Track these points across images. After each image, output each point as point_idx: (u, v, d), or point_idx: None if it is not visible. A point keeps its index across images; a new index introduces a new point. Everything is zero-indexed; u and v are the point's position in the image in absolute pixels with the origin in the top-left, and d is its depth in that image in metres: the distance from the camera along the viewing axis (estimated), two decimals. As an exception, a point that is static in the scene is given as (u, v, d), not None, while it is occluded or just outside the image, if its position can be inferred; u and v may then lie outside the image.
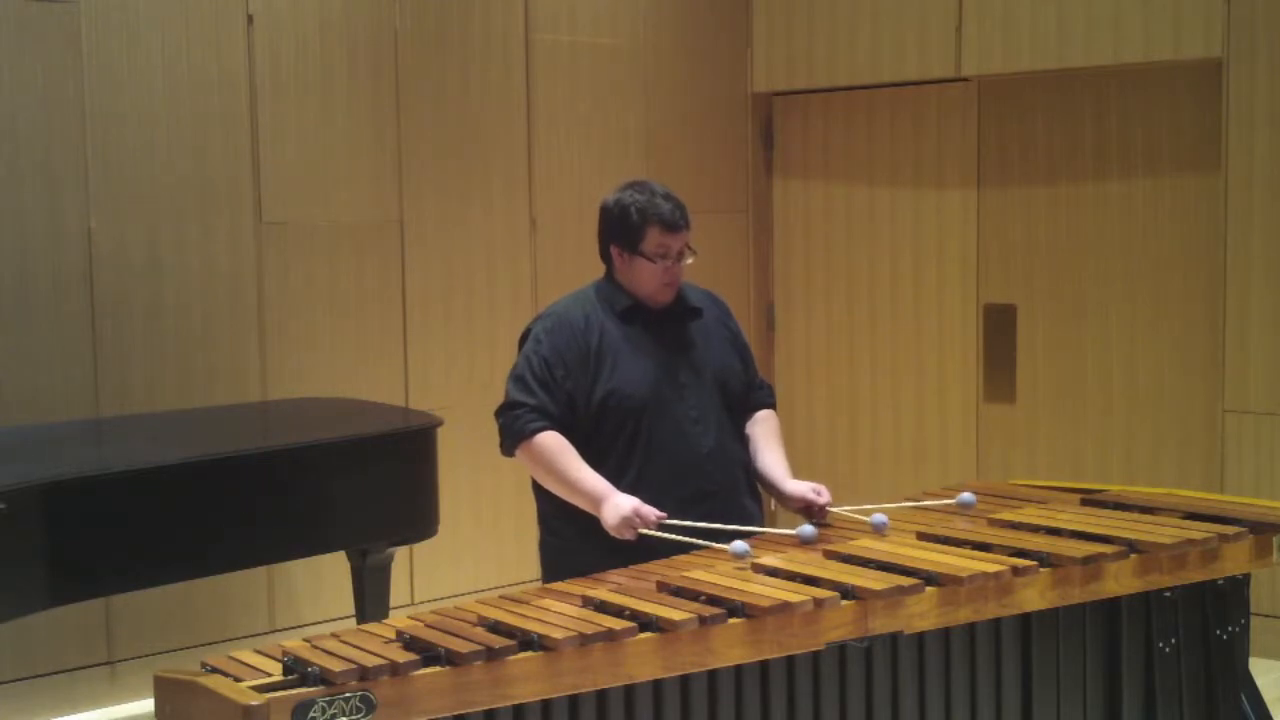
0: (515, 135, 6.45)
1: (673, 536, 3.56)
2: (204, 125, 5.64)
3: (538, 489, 3.86)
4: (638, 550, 3.54)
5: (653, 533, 3.57)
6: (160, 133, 5.54)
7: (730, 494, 3.83)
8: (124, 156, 5.46)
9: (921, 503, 4.00)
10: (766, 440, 3.96)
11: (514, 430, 3.76)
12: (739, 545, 3.43)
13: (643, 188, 3.84)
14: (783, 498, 3.90)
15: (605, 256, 3.90)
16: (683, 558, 3.49)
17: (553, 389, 3.74)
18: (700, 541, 3.54)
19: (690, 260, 3.85)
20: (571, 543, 3.79)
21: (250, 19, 5.72)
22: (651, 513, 3.58)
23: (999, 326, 6.62)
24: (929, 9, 6.57)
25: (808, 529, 3.58)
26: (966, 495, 3.88)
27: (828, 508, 3.81)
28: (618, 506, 3.60)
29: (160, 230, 5.55)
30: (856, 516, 3.76)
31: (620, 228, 3.82)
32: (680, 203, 3.83)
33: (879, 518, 3.65)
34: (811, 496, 3.81)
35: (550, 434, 3.72)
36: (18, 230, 5.25)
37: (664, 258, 3.79)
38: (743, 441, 3.93)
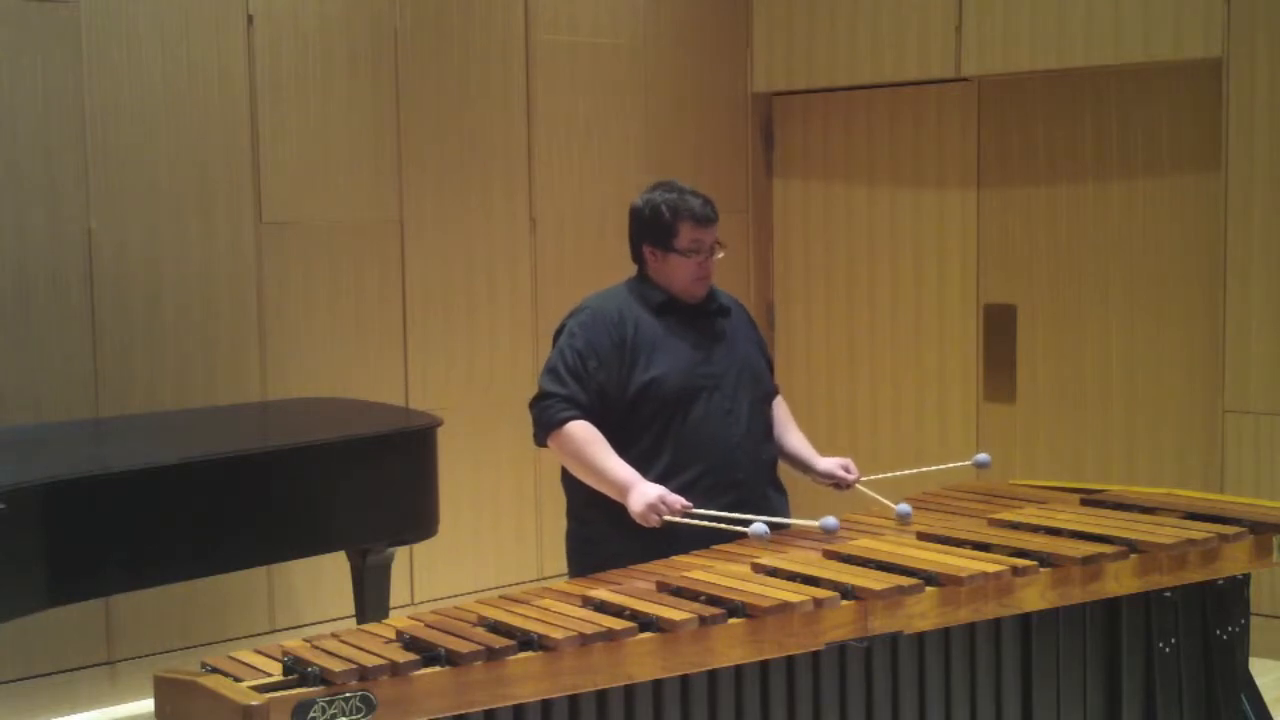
0: (515, 135, 6.45)
1: (697, 523, 3.63)
2: (204, 125, 5.64)
3: (567, 480, 3.94)
4: (664, 537, 3.63)
5: (678, 519, 3.64)
6: (160, 133, 5.54)
7: (756, 483, 3.94)
8: (124, 156, 5.46)
9: (940, 466, 4.27)
10: (787, 423, 4.18)
11: (545, 420, 3.85)
12: (759, 527, 3.55)
13: (670, 186, 3.98)
14: (814, 474, 4.10)
15: (638, 257, 4.01)
16: (682, 558, 3.51)
17: (584, 380, 3.83)
18: (725, 527, 3.62)
19: (721, 254, 3.98)
20: (600, 530, 3.86)
21: (250, 19, 5.72)
22: (677, 500, 3.68)
23: (999, 326, 6.62)
24: (929, 9, 6.57)
25: (830, 521, 3.63)
26: (981, 456, 4.11)
27: (856, 483, 4.03)
28: (644, 494, 3.69)
29: (160, 230, 5.55)
30: (883, 500, 3.91)
31: (653, 227, 3.93)
32: (708, 198, 3.97)
33: (903, 508, 3.78)
34: (840, 473, 4.05)
35: (580, 423, 3.80)
36: (18, 230, 5.25)
37: (697, 253, 3.91)
38: (769, 435, 4.06)
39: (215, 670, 2.79)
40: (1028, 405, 6.57)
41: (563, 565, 4.06)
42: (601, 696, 2.91)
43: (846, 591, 3.15)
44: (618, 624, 2.93)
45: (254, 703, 2.59)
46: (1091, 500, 3.95)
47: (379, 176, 6.08)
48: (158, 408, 5.47)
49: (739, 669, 3.05)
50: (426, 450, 4.96)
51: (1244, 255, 5.81)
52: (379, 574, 4.99)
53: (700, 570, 3.32)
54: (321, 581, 5.82)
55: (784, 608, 3.04)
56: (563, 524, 4.04)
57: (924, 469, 4.32)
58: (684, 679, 2.99)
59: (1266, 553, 3.67)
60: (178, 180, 5.58)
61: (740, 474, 3.89)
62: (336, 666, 2.69)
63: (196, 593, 5.38)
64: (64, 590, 4.11)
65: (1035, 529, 3.62)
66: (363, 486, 4.72)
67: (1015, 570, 3.32)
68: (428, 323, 6.23)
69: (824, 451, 4.16)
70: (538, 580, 6.39)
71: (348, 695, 2.65)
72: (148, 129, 5.51)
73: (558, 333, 3.96)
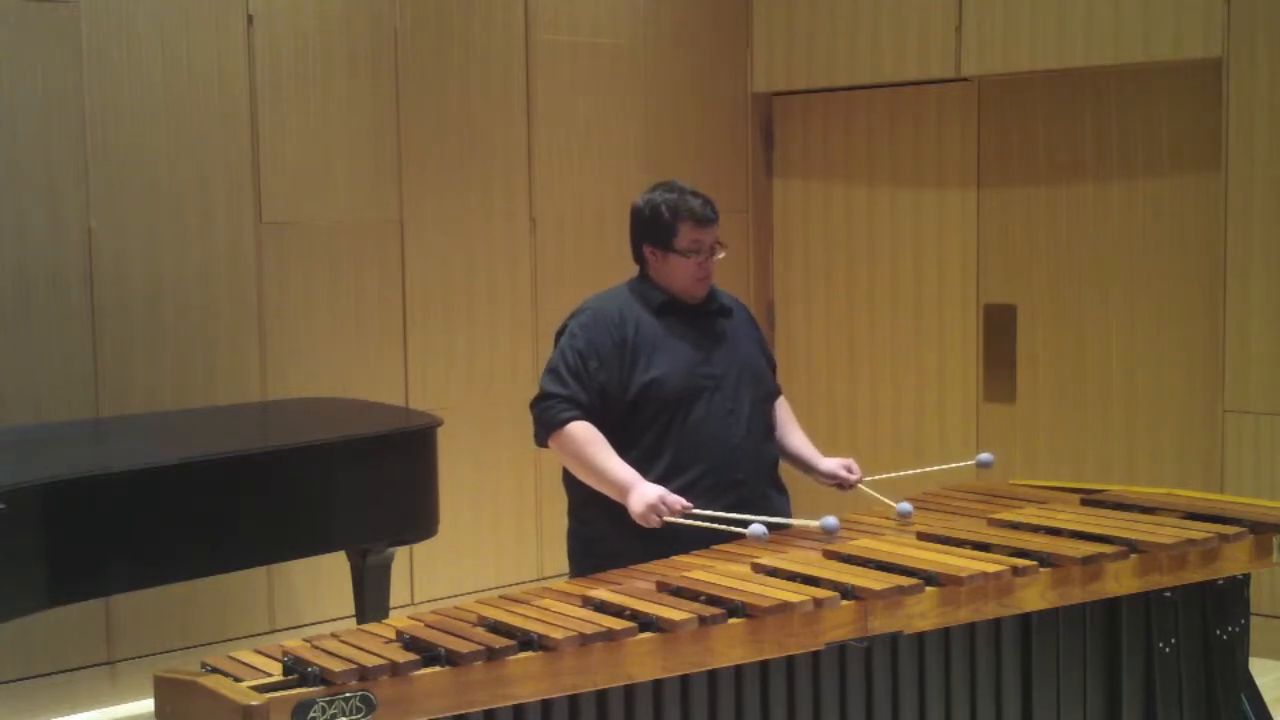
0: (515, 135, 6.45)
1: (697, 524, 3.64)
2: (204, 125, 5.64)
3: (568, 480, 3.95)
4: (665, 536, 3.64)
5: (678, 520, 3.65)
6: (160, 133, 5.54)
7: (757, 483, 3.95)
8: (124, 156, 5.46)
9: (942, 466, 4.29)
10: (789, 423, 4.19)
11: (546, 420, 3.86)
12: (757, 528, 3.56)
13: (671, 186, 3.99)
14: (816, 474, 4.11)
15: (639, 257, 4.02)
16: (683, 558, 3.51)
17: (585, 380, 3.84)
18: (725, 528, 3.63)
19: (722, 255, 3.98)
20: (600, 529, 3.87)
21: (250, 19, 5.72)
22: (677, 501, 3.69)
23: (999, 326, 6.62)
24: (929, 9, 6.57)
25: (831, 520, 3.63)
26: (984, 456, 4.11)
27: (859, 483, 4.04)
28: (644, 495, 3.70)
29: (160, 230, 5.55)
30: (884, 500, 3.92)
31: (653, 227, 3.95)
32: (709, 199, 3.98)
33: (904, 506, 3.80)
34: (843, 474, 4.06)
35: (581, 424, 3.82)
36: (18, 230, 5.25)
37: (697, 253, 3.92)
38: (770, 435, 4.06)
39: (215, 670, 2.79)
40: (1028, 405, 6.57)
41: (563, 565, 4.06)
42: (601, 696, 2.91)
43: (846, 591, 3.15)
44: (618, 624, 2.93)
45: (254, 703, 2.59)
46: (1091, 500, 3.95)
47: (379, 176, 6.08)
48: (158, 408, 5.47)
49: (739, 669, 3.05)
50: (426, 450, 4.96)
51: (1244, 255, 5.81)
52: (379, 574, 4.99)
53: (700, 570, 3.32)
54: (321, 581, 5.82)
55: (784, 608, 3.04)
56: (563, 524, 4.05)
57: (926, 469, 4.35)
58: (684, 679, 2.99)
59: (1266, 553, 3.67)
60: (178, 180, 5.58)
61: (741, 474, 3.90)
62: (336, 666, 2.69)
63: (196, 593, 5.38)
64: (64, 590, 4.11)
65: (1035, 529, 3.62)
66: (363, 486, 4.72)
67: (1015, 570, 3.31)
68: (428, 323, 6.22)
69: (824, 451, 4.18)
70: (538, 580, 6.39)
71: (348, 695, 2.65)
72: (148, 129, 5.51)
73: (559, 333, 3.98)
